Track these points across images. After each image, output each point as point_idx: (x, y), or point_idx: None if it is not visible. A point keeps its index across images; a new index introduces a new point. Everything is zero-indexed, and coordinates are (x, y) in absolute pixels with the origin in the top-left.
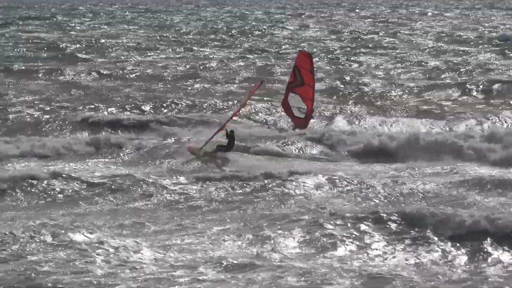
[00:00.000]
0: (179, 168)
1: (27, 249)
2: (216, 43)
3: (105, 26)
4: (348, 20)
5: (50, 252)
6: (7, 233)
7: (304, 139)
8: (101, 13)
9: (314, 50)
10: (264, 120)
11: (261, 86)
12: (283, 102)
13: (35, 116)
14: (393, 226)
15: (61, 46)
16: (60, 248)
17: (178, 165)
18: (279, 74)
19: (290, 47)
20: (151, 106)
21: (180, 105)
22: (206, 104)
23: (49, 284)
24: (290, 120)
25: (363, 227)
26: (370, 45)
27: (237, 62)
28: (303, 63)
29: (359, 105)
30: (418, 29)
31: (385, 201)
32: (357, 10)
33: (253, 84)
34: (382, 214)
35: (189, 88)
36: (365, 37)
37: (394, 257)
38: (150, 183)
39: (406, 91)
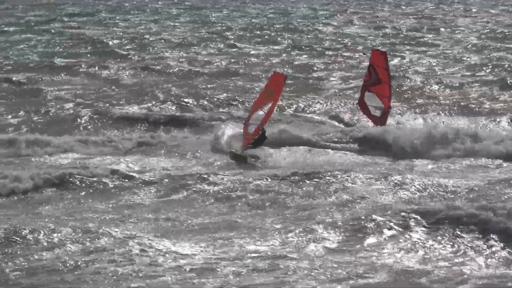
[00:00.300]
0: (222, 163)
1: (73, 241)
2: (259, 39)
3: (149, 22)
4: (392, 17)
5: (94, 243)
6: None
7: (343, 133)
8: (146, 10)
9: (360, 46)
10: (304, 113)
11: (284, 82)
12: (360, 101)
13: (77, 111)
14: (436, 223)
15: (104, 41)
16: (104, 239)
17: (221, 160)
18: (319, 70)
19: (334, 43)
20: (192, 101)
21: (220, 101)
22: (246, 101)
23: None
24: (368, 118)
25: (407, 222)
26: (413, 42)
27: (279, 58)
28: (378, 61)
29: (401, 100)
30: (462, 26)
31: (429, 196)
32: (402, 7)
33: (270, 75)
34: (427, 210)
35: (231, 84)
36: (408, 33)
37: (435, 253)
38: (197, 177)
39: (448, 87)
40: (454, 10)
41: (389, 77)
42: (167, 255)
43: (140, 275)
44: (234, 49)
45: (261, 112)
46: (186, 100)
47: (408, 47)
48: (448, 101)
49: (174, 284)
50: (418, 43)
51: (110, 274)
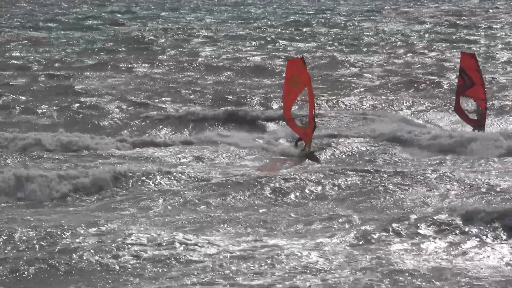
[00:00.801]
0: (288, 162)
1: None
2: (299, 37)
3: (189, 19)
4: (431, 12)
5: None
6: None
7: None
8: (185, 6)
9: (399, 43)
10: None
11: (304, 64)
12: (456, 106)
13: (120, 110)
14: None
15: (145, 38)
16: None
17: (285, 159)
18: (353, 68)
19: (374, 39)
20: (234, 99)
21: (262, 100)
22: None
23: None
24: (466, 123)
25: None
26: (453, 37)
27: (317, 53)
28: (468, 64)
29: (437, 98)
30: (503, 23)
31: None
32: (439, 2)
33: (286, 63)
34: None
35: (269, 82)
36: (447, 30)
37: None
38: (266, 177)
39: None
40: (496, 7)
41: (482, 79)
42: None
43: None
44: (273, 45)
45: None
46: (232, 97)
47: (445, 44)
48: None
49: None
50: (456, 40)
51: None
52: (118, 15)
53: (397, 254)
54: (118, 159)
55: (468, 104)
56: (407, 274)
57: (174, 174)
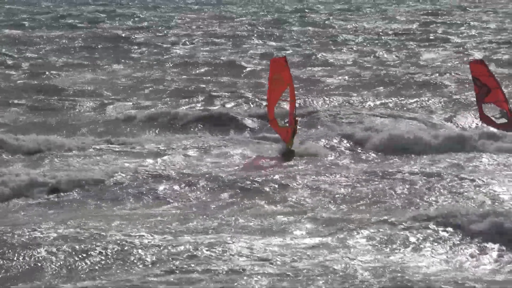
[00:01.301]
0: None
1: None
2: (276, 35)
3: (168, 16)
4: (409, 12)
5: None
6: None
7: None
8: (167, 5)
9: (376, 41)
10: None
11: (286, 63)
12: (480, 115)
13: (93, 109)
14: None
15: (121, 37)
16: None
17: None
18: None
19: (351, 37)
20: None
21: (236, 98)
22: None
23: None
24: (497, 129)
25: None
26: (427, 35)
27: (289, 51)
28: (479, 71)
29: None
30: (479, 21)
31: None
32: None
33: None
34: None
35: (245, 81)
36: (422, 28)
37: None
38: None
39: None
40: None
41: (497, 81)
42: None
43: None
44: (250, 44)
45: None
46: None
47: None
48: None
49: None
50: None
51: None
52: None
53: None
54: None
55: (491, 110)
56: None
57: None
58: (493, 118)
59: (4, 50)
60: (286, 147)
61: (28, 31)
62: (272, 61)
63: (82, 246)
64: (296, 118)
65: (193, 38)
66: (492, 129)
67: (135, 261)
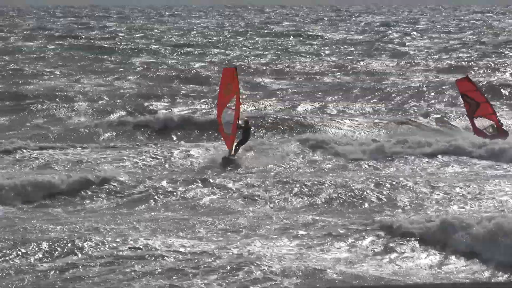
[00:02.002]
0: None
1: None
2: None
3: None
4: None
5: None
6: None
7: None
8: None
9: (326, 52)
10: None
11: (236, 73)
12: (474, 131)
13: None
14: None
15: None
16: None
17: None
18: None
19: (302, 49)
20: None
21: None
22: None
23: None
24: (492, 139)
25: None
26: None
27: (243, 61)
28: (466, 87)
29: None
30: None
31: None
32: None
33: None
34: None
35: (201, 88)
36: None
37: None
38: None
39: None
40: None
41: (484, 96)
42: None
43: None
44: (207, 53)
45: (229, 111)
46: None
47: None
48: None
49: None
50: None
51: None
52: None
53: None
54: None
55: (483, 124)
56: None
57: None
58: (486, 132)
59: None
60: (228, 154)
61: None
62: (224, 70)
63: None
64: (249, 125)
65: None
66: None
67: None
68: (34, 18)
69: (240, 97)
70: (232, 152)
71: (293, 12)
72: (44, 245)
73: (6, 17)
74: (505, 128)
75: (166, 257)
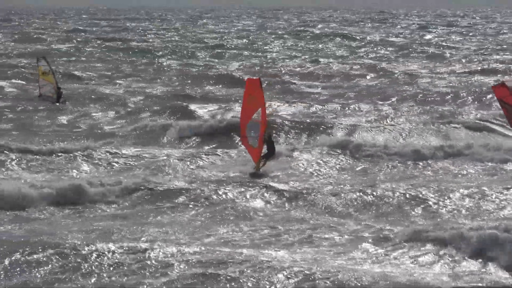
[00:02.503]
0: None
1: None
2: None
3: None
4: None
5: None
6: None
7: None
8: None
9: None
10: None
11: (261, 85)
12: None
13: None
14: None
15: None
16: None
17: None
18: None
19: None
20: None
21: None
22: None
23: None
24: None
25: None
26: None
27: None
28: (503, 94)
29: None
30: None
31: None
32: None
33: (245, 79)
34: None
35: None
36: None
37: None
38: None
39: None
40: None
41: None
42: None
43: None
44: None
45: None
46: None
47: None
48: None
49: None
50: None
51: None
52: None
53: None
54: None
55: None
56: None
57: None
58: None
59: None
60: (255, 168)
61: None
62: (248, 81)
63: None
64: (272, 138)
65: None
66: None
67: None
68: (72, 20)
69: (275, 101)
70: (261, 165)
71: (334, 14)
72: None
73: (45, 20)
74: None
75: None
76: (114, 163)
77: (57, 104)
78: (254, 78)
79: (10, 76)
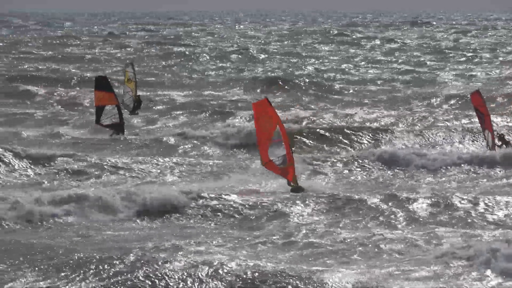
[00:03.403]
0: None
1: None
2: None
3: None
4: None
5: None
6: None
7: None
8: None
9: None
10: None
11: (270, 103)
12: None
13: None
14: None
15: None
16: None
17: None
18: None
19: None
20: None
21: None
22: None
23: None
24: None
25: None
26: None
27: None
28: (477, 102)
29: None
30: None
31: None
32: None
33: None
34: None
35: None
36: None
37: None
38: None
39: None
40: None
41: (487, 109)
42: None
43: None
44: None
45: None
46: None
47: None
48: None
49: None
50: None
51: None
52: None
53: None
54: None
55: (488, 136)
56: None
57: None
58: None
59: None
60: (291, 185)
61: None
62: (254, 105)
63: None
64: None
65: None
66: None
67: None
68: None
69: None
70: (292, 183)
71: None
72: None
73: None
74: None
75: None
76: None
77: (131, 115)
78: (260, 100)
79: None
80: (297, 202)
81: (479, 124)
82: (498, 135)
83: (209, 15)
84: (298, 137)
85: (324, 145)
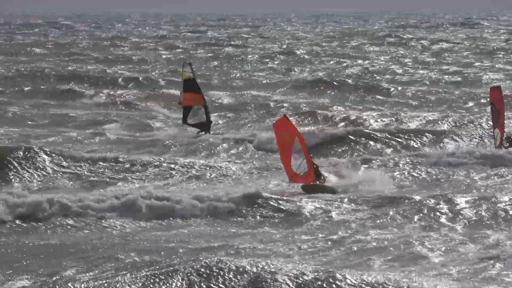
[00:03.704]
0: None
1: None
2: None
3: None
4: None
5: None
6: None
7: None
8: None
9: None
10: None
11: (288, 120)
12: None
13: None
14: None
15: None
16: None
17: None
18: None
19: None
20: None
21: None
22: None
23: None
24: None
25: None
26: None
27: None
28: (496, 97)
29: None
30: None
31: None
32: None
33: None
34: None
35: None
36: None
37: None
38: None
39: None
40: None
41: (503, 108)
42: None
43: None
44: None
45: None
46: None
47: None
48: None
49: None
50: None
51: None
52: None
53: None
54: None
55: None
56: None
57: None
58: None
59: None
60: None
61: None
62: (274, 125)
63: None
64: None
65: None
66: None
67: None
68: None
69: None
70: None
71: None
72: None
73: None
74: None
75: None
76: None
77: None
78: (279, 119)
79: None
80: (345, 201)
81: (491, 121)
82: (507, 136)
83: (262, 17)
84: (348, 137)
85: (372, 145)
